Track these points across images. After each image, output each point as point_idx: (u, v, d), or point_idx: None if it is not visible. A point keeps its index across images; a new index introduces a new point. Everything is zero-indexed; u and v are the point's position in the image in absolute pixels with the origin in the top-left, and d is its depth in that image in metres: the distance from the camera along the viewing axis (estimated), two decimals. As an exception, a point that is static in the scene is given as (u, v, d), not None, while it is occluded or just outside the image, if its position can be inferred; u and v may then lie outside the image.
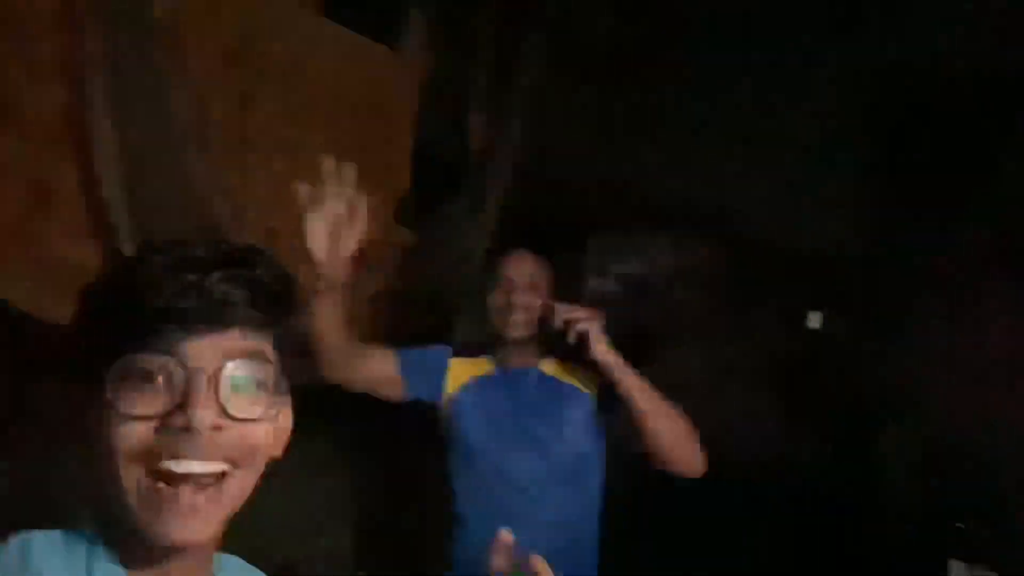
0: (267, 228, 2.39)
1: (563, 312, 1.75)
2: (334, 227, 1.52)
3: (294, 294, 0.69)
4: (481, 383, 1.90)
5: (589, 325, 1.73)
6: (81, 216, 1.93)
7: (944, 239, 3.26)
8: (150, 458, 0.61)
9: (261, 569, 0.81)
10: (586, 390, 1.89)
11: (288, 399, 0.70)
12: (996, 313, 3.02)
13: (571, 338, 1.72)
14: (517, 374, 1.90)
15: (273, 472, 0.70)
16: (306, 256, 1.56)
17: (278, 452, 0.70)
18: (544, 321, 1.84)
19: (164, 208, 1.89)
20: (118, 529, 0.64)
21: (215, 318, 0.63)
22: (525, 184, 3.66)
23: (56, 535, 0.65)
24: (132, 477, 0.61)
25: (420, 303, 2.70)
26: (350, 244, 1.55)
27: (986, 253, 3.14)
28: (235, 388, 0.63)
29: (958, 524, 2.85)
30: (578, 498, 1.81)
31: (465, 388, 1.88)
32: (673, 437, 1.70)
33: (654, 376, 1.84)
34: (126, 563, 0.64)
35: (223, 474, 0.63)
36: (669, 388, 1.84)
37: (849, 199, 3.49)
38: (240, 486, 0.66)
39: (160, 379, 0.61)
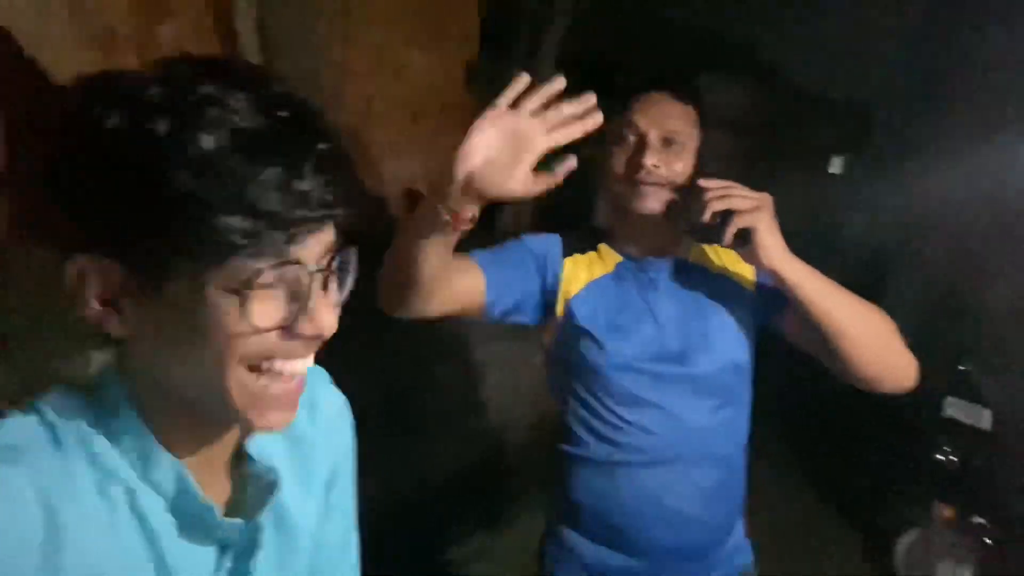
0: (365, 98, 2.74)
1: (716, 193, 1.18)
2: (507, 152, 0.91)
3: (357, 174, 0.62)
4: (602, 286, 1.36)
5: (756, 218, 1.17)
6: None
7: (966, 95, 3.39)
8: (258, 359, 0.59)
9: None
10: (744, 284, 1.38)
11: None
12: (1007, 169, 3.17)
13: (726, 239, 1.18)
14: (649, 266, 1.37)
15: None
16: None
17: None
18: (688, 198, 1.27)
19: (301, 82, 2.25)
20: (169, 412, 0.62)
21: (316, 219, 0.58)
22: (583, 29, 3.63)
23: (76, 402, 0.61)
24: (236, 377, 0.58)
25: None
26: (513, 185, 0.92)
27: (1002, 113, 3.24)
28: (341, 282, 0.63)
29: (960, 366, 3.00)
30: (730, 422, 1.37)
31: (581, 297, 1.35)
32: (879, 348, 1.23)
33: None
34: (161, 438, 0.62)
35: None
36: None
37: (883, 50, 3.55)
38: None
39: (281, 287, 0.58)
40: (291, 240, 0.57)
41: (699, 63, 3.78)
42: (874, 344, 1.23)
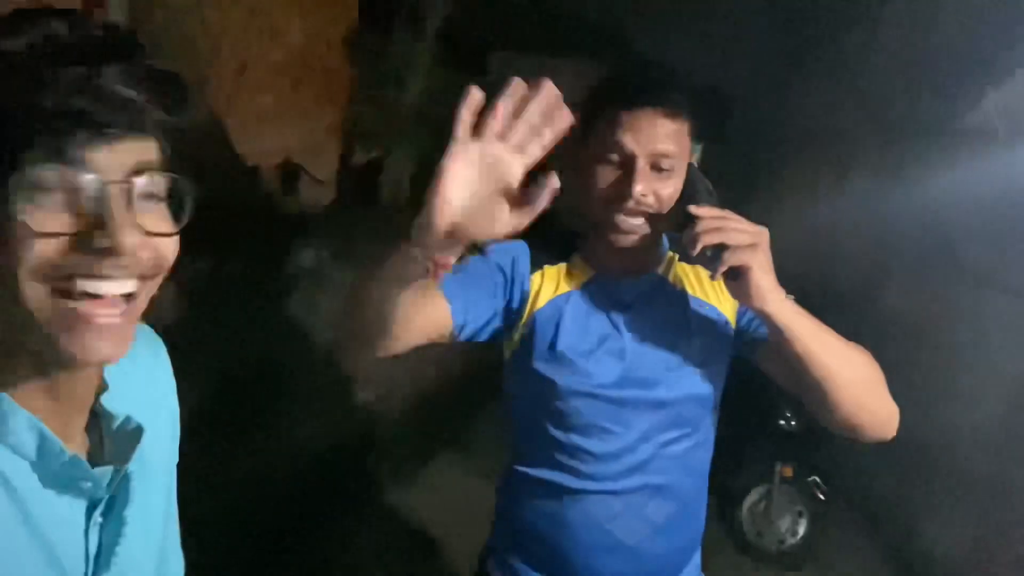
0: (240, 61, 2.65)
1: (709, 224, 1.08)
2: (485, 186, 0.76)
3: (189, 90, 0.60)
4: (569, 303, 1.27)
5: (751, 255, 1.08)
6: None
7: (820, 88, 3.64)
8: (61, 277, 0.56)
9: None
10: (724, 313, 1.30)
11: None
12: (860, 162, 3.45)
13: (715, 274, 1.09)
14: (622, 286, 1.29)
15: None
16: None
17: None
18: (674, 223, 1.18)
19: (166, 46, 2.16)
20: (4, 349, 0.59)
21: (118, 121, 0.55)
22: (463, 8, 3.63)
23: None
24: (39, 296, 0.56)
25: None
26: (499, 226, 0.77)
27: (856, 107, 3.51)
28: (149, 202, 0.59)
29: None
30: (689, 455, 1.30)
31: (546, 314, 1.27)
32: (863, 397, 1.17)
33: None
34: (5, 384, 0.60)
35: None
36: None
37: (744, 38, 3.76)
38: (146, 300, 0.62)
39: (70, 194, 0.55)
40: (89, 143, 0.55)
41: (566, 42, 3.85)
42: (859, 393, 1.17)
